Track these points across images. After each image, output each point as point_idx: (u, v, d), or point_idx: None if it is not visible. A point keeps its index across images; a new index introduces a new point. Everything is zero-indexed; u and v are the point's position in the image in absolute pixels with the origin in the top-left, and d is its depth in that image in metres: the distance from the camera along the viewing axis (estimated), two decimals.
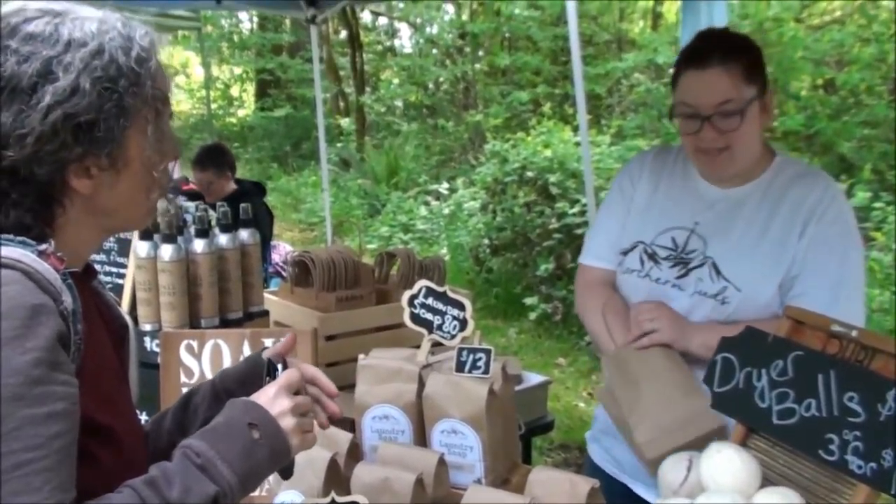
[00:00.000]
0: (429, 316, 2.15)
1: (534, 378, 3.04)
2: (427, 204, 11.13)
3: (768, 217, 2.17)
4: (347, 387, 2.29)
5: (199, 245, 2.64)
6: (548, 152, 8.43)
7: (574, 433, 5.54)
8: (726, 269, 2.16)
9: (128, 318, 1.54)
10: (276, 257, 5.90)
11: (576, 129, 7.75)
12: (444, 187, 11.48)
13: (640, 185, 2.39)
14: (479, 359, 2.05)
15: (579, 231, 7.19)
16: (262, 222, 5.36)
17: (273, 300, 3.06)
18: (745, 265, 2.15)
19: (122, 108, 1.21)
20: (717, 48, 2.11)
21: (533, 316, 7.57)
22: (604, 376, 2.22)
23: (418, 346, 2.16)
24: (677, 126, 2.24)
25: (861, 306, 2.15)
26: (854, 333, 1.65)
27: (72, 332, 1.14)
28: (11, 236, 1.16)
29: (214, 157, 5.58)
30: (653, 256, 2.28)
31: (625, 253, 2.34)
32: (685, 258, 2.23)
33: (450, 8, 15.98)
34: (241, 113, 20.61)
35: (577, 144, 7.66)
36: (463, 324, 2.10)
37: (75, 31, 1.19)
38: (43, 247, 1.16)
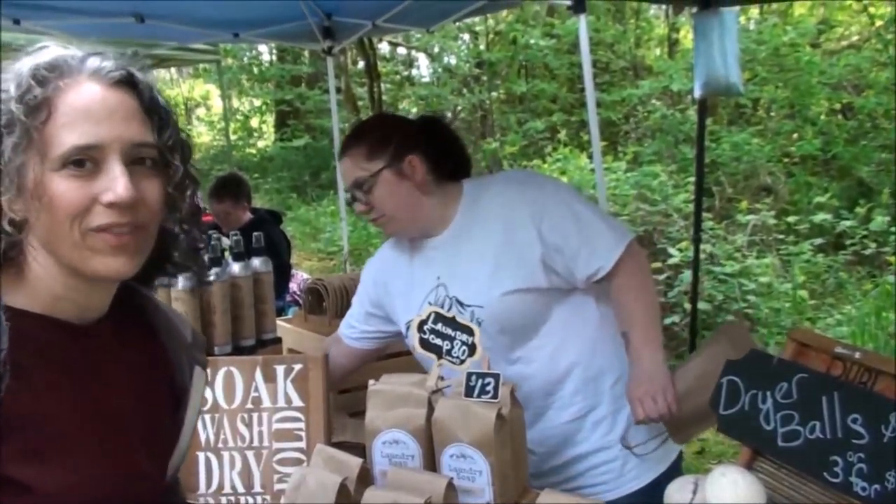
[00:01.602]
0: (438, 341, 2.17)
1: None
2: None
3: (482, 240, 2.26)
4: (359, 413, 2.31)
5: (211, 273, 2.68)
6: (564, 179, 8.46)
7: None
8: (466, 298, 2.26)
9: (194, 382, 1.49)
10: (293, 286, 5.93)
11: (591, 156, 7.78)
12: None
13: (380, 285, 2.51)
14: (488, 383, 2.06)
15: None
16: (281, 250, 5.40)
17: (286, 327, 3.08)
18: (475, 285, 2.24)
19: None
20: (349, 140, 2.33)
21: None
22: None
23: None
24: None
25: (600, 221, 2.25)
26: (857, 355, 1.66)
27: None
28: None
29: (231, 188, 5.62)
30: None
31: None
32: (448, 315, 2.31)
33: (466, 37, 16.10)
34: (260, 144, 20.77)
35: (593, 171, 7.68)
36: (472, 349, 2.12)
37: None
38: None
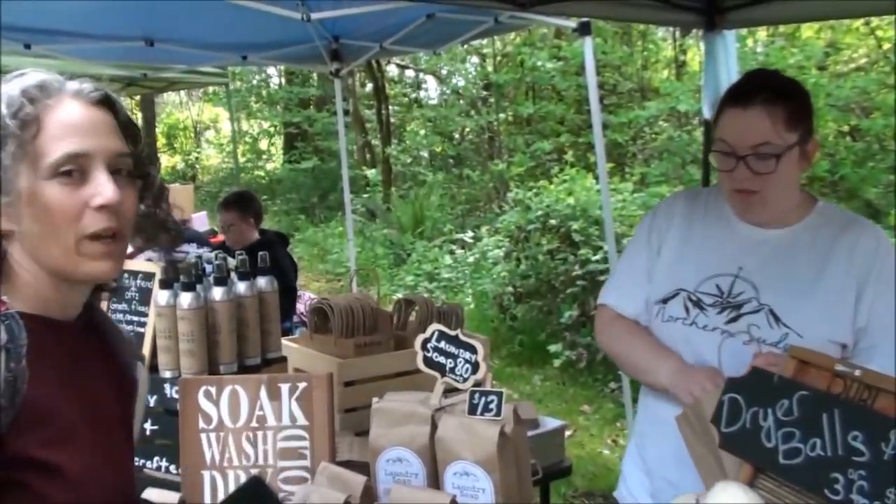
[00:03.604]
0: (441, 359, 2.18)
1: (550, 423, 3.05)
2: (452, 252, 11.18)
3: (822, 263, 2.14)
4: (364, 432, 2.32)
5: (217, 293, 2.70)
6: (570, 200, 8.48)
7: (598, 481, 5.50)
8: (786, 315, 2.11)
9: (139, 376, 1.64)
10: (300, 307, 5.94)
11: (598, 177, 7.80)
12: (468, 236, 11.54)
13: (671, 233, 2.34)
14: (491, 401, 2.07)
15: (602, 278, 7.19)
16: (287, 272, 5.41)
17: (292, 347, 3.10)
18: (805, 311, 2.11)
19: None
20: (762, 89, 2.08)
21: (557, 363, 7.55)
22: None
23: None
24: (714, 163, 2.22)
25: None
26: (857, 373, 1.66)
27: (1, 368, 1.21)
28: None
29: (239, 201, 5.67)
30: (698, 303, 2.22)
31: (664, 301, 2.28)
32: (733, 302, 2.17)
33: (474, 59, 16.17)
34: (269, 166, 20.88)
35: (600, 192, 7.70)
36: (475, 367, 2.13)
37: None
38: None
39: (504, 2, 4.12)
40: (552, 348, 7.65)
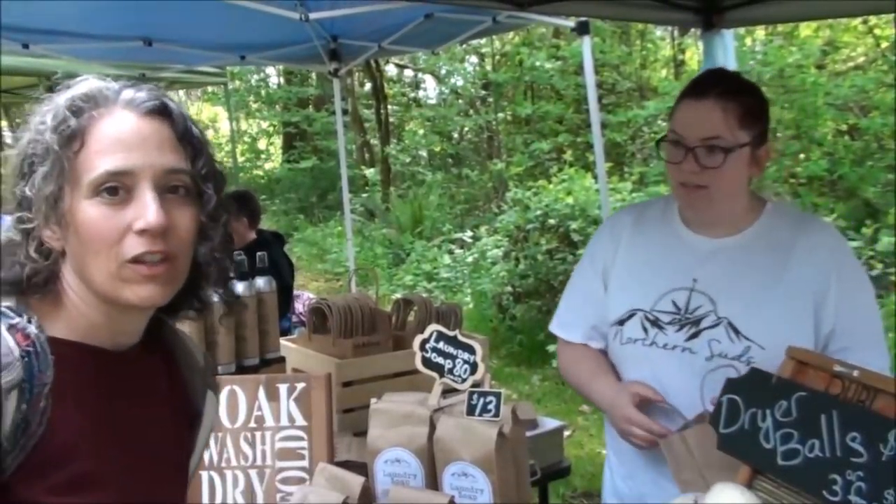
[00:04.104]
0: (440, 360, 2.18)
1: (549, 423, 3.05)
2: (451, 252, 11.18)
3: (777, 268, 2.08)
4: (363, 432, 2.32)
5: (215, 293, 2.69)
6: (569, 199, 8.48)
7: (597, 481, 5.46)
8: (745, 327, 2.05)
9: (206, 406, 1.51)
10: (299, 307, 5.94)
11: (597, 177, 7.81)
12: (467, 235, 11.54)
13: (620, 252, 2.28)
14: (490, 402, 2.08)
15: None
16: (284, 271, 5.40)
17: (291, 347, 3.10)
18: (764, 321, 2.04)
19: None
20: (719, 83, 2.05)
21: (556, 363, 7.53)
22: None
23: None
24: (663, 156, 2.15)
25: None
26: (856, 374, 1.66)
27: (9, 408, 1.11)
28: None
29: (236, 200, 5.64)
30: (656, 322, 2.15)
31: (621, 322, 2.21)
32: (691, 318, 2.11)
33: (473, 59, 16.18)
34: (267, 166, 20.87)
35: (598, 191, 7.70)
36: (474, 367, 2.13)
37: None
38: (15, 321, 1.17)
39: (502, 1, 4.12)
40: (551, 348, 7.62)
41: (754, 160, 2.07)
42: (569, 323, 2.40)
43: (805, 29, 11.02)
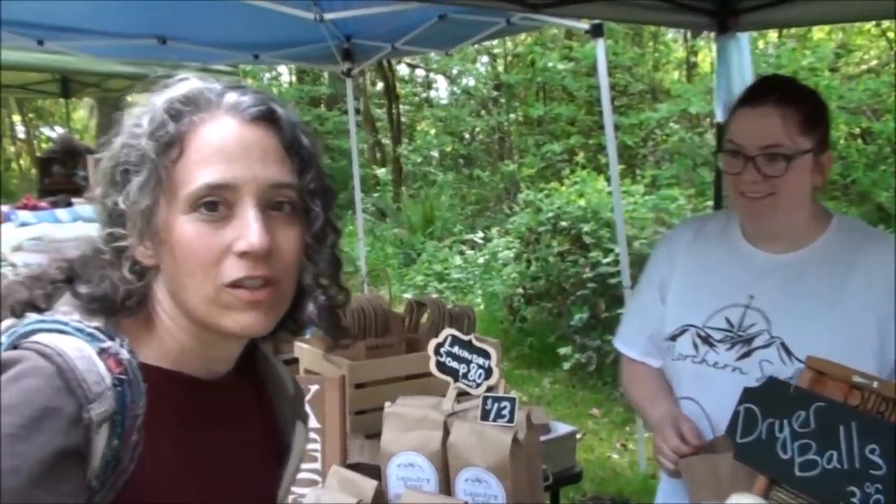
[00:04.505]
0: (455, 364, 2.18)
1: (562, 428, 3.04)
2: (462, 253, 11.18)
3: (837, 289, 1.97)
4: (376, 435, 2.32)
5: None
6: (581, 202, 8.47)
7: (607, 485, 5.49)
8: (799, 349, 1.94)
9: (295, 439, 1.38)
10: None
11: (609, 179, 7.79)
12: (478, 237, 11.53)
13: (677, 266, 2.21)
14: (504, 407, 2.07)
15: (613, 280, 7.17)
16: None
17: (304, 348, 3.09)
18: (819, 344, 1.90)
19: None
20: (775, 91, 1.99)
21: (567, 366, 7.53)
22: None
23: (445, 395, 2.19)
24: (722, 167, 2.08)
25: None
26: (875, 385, 1.65)
27: (99, 443, 0.98)
28: (83, 325, 1.05)
29: None
30: (707, 340, 2.08)
31: (673, 338, 2.15)
32: (744, 336, 2.03)
33: (485, 59, 16.18)
34: None
35: (611, 194, 7.69)
36: (488, 372, 2.13)
37: None
38: (107, 344, 1.03)
39: (516, 3, 4.11)
40: (562, 351, 7.63)
41: (817, 167, 2.00)
42: (628, 338, 2.34)
43: (818, 32, 10.99)
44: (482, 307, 9.09)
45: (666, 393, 2.20)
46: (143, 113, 1.11)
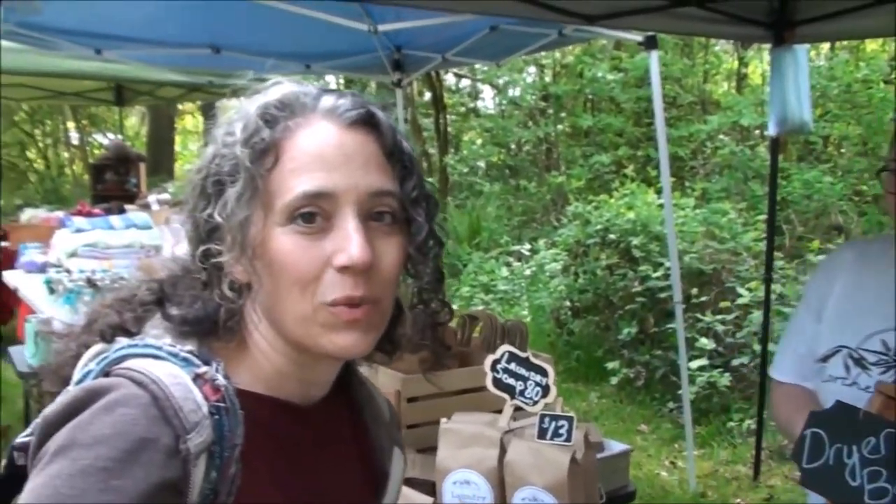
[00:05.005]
0: (511, 381, 2.16)
1: (615, 446, 2.99)
2: (508, 265, 11.13)
3: None
4: (428, 449, 2.30)
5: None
6: (631, 214, 8.39)
7: (655, 503, 5.42)
8: None
9: (393, 467, 1.32)
10: None
11: (659, 192, 7.70)
12: (525, 248, 11.48)
13: (835, 288, 2.09)
14: (562, 426, 2.05)
15: (662, 295, 7.10)
16: None
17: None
18: None
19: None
20: None
21: (615, 381, 7.46)
22: None
23: (499, 411, 2.17)
24: (883, 186, 1.96)
25: None
26: None
27: (197, 476, 0.93)
28: (177, 349, 1.00)
29: None
30: (860, 361, 1.96)
31: (824, 359, 2.04)
32: None
33: (533, 70, 16.14)
34: None
35: (661, 207, 7.60)
36: (545, 390, 2.11)
37: None
38: (203, 370, 0.98)
39: (570, 16, 4.10)
40: (609, 365, 7.56)
41: None
42: (780, 361, 2.25)
43: (871, 43, 10.83)
44: (529, 319, 9.04)
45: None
46: (235, 120, 1.06)
